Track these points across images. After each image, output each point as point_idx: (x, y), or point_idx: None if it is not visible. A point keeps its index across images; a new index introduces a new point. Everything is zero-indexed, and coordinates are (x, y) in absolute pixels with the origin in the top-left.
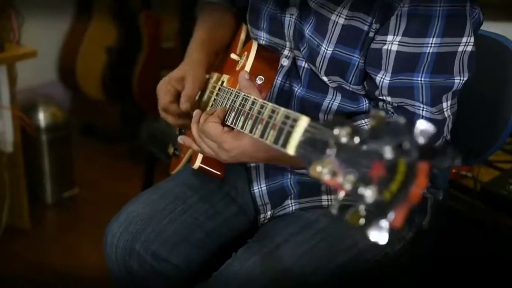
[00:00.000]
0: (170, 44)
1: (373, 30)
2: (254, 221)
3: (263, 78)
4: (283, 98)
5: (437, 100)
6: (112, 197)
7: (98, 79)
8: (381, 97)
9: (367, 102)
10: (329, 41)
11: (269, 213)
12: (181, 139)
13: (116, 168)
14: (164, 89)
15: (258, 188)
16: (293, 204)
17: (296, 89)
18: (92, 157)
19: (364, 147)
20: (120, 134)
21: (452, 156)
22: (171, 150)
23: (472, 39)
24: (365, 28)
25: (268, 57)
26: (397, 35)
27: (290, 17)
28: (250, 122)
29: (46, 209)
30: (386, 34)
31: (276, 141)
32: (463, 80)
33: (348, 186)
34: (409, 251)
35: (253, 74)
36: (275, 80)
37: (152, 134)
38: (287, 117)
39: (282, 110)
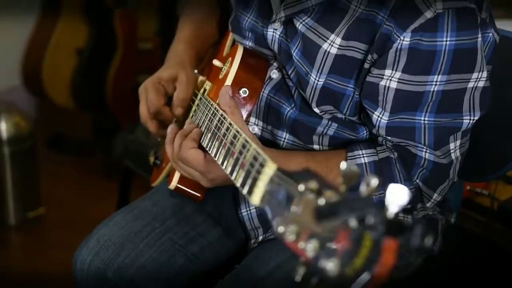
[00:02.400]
0: (148, 45)
1: (369, 61)
2: (241, 245)
3: (247, 90)
4: (271, 115)
5: (442, 142)
6: (83, 218)
7: (67, 85)
8: (380, 136)
9: (367, 131)
10: (319, 71)
11: (261, 237)
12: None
13: (87, 185)
14: (155, 90)
15: (247, 211)
16: None
17: (288, 109)
18: (61, 172)
19: (330, 211)
20: (91, 146)
21: (422, 234)
22: (151, 159)
23: (485, 74)
24: (360, 57)
25: (254, 65)
26: (395, 71)
27: (273, 33)
28: (223, 152)
29: (8, 231)
30: (384, 68)
31: (243, 184)
32: (473, 120)
33: (310, 254)
34: (418, 277)
35: (236, 85)
36: (262, 93)
37: (128, 147)
38: (255, 158)
39: (252, 148)
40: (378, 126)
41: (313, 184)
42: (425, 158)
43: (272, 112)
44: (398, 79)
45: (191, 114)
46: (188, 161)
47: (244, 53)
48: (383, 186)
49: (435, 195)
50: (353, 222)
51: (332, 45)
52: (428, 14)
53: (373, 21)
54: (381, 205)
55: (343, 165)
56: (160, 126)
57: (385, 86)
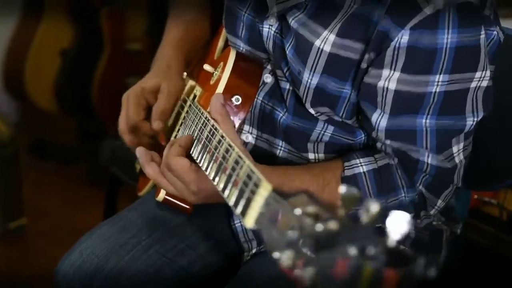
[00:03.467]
0: (137, 46)
1: (366, 61)
2: (234, 258)
3: (240, 98)
4: (265, 123)
5: (444, 146)
6: (67, 228)
7: (50, 87)
8: (378, 140)
9: (365, 135)
10: (312, 70)
11: (254, 249)
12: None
13: (72, 194)
14: (135, 102)
15: (240, 223)
16: None
17: (281, 115)
18: (44, 180)
19: (328, 238)
20: (76, 153)
21: (426, 265)
22: (138, 166)
23: (488, 73)
24: (356, 57)
25: (248, 70)
26: (394, 71)
27: (269, 29)
28: (214, 167)
29: None
30: (382, 68)
31: (236, 204)
32: (476, 120)
33: (307, 282)
34: None
35: (229, 92)
36: (255, 99)
37: (115, 153)
38: (249, 176)
39: (246, 164)
40: (377, 129)
41: (311, 209)
42: (427, 163)
43: (266, 119)
44: (397, 79)
45: (180, 122)
46: (172, 168)
47: (237, 57)
48: (385, 196)
49: (439, 201)
50: (353, 251)
51: (325, 42)
52: (428, 10)
53: (368, 18)
54: (381, 232)
55: (343, 188)
56: (137, 140)
57: (383, 87)
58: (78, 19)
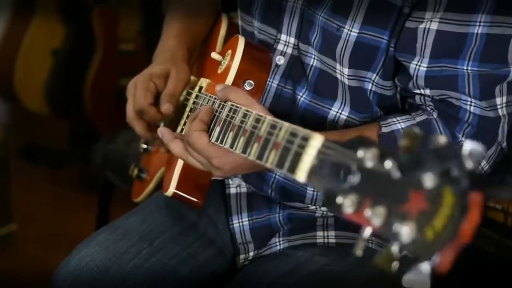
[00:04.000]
0: (130, 46)
1: (409, 4)
2: (233, 261)
3: (252, 83)
4: (281, 107)
5: (488, 92)
6: (59, 235)
7: (41, 89)
8: (417, 91)
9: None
10: (353, 20)
11: (251, 253)
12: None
13: (63, 199)
14: (144, 86)
15: (239, 223)
16: (281, 242)
17: (300, 95)
18: (34, 185)
19: (398, 173)
20: (68, 156)
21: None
22: (134, 171)
23: None
24: (399, 2)
25: (258, 56)
26: (437, 11)
27: (295, 4)
28: (242, 140)
29: None
30: (425, 10)
31: (280, 164)
32: None
33: (377, 222)
34: None
35: (241, 78)
36: (269, 83)
37: (108, 157)
38: (293, 134)
39: (286, 125)
40: (417, 76)
41: (374, 150)
42: (470, 112)
43: (282, 105)
44: (440, 18)
45: (186, 114)
46: (192, 145)
47: (246, 43)
48: None
49: (483, 161)
50: (428, 181)
51: None
52: None
53: None
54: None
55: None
56: (147, 126)
57: (424, 28)
58: (70, 18)
